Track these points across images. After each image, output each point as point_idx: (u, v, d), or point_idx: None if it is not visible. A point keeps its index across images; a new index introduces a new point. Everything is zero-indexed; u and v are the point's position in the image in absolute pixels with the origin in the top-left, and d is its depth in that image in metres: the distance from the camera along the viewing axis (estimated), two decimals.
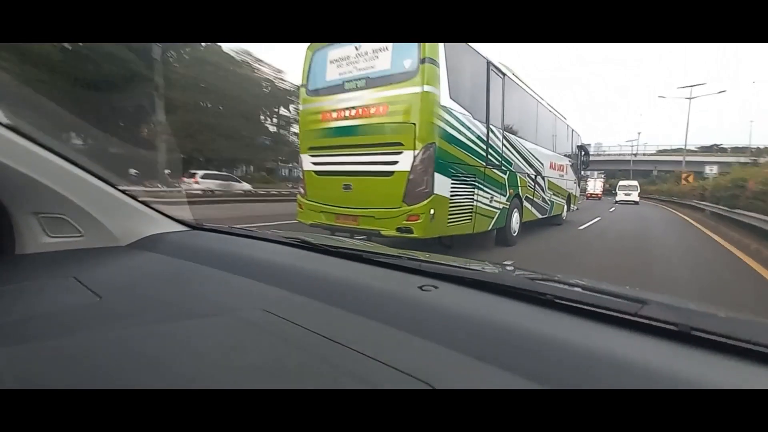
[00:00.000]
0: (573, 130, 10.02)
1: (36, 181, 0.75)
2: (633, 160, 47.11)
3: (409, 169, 3.90)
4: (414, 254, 0.81)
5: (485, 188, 5.09)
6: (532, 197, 7.09)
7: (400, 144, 3.96)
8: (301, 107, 5.02)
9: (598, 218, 12.37)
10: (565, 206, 9.98)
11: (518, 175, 6.26)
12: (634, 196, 26.25)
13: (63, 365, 0.40)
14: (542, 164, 7.51)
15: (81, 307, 0.58)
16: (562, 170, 9.14)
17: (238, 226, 1.18)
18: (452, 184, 4.27)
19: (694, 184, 19.33)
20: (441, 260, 0.78)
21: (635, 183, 28.36)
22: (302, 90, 4.90)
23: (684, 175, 22.98)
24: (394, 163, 4.00)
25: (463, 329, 0.49)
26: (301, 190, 4.89)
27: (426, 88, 3.83)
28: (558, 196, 8.94)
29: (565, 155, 9.33)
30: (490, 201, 5.30)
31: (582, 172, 11.71)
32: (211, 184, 15.52)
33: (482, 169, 4.97)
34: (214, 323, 0.53)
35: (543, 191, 7.77)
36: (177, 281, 0.74)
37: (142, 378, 0.39)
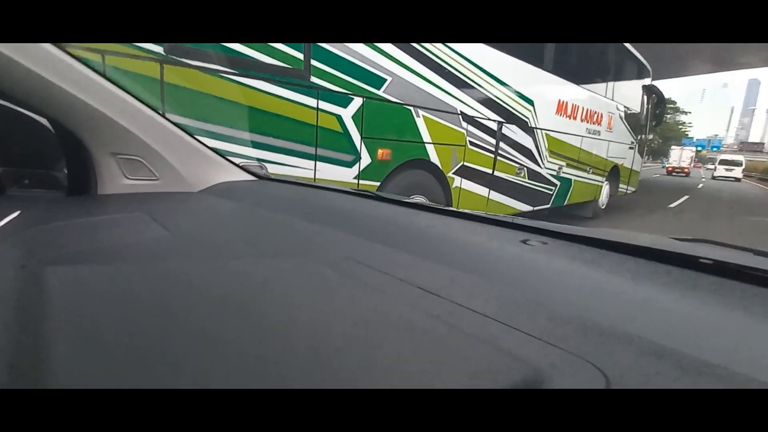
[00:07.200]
0: (631, 54, 5.63)
1: (114, 122, 0.77)
2: None
3: None
4: (503, 215, 0.75)
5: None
6: (488, 169, 3.32)
7: None
8: None
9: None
10: (605, 187, 5.81)
11: (421, 114, 2.59)
12: (737, 172, 24.71)
13: (121, 292, 0.39)
14: (530, 103, 3.62)
15: (152, 242, 0.57)
16: (596, 122, 5.01)
17: None
18: None
19: None
20: (539, 222, 0.66)
21: (740, 158, 27.09)
22: None
23: None
24: None
25: (588, 292, 0.41)
26: None
27: None
28: (581, 170, 4.90)
29: (605, 96, 5.13)
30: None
31: (648, 132, 7.16)
32: None
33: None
34: (292, 264, 0.49)
35: (534, 158, 3.89)
36: (250, 226, 0.72)
37: (206, 313, 0.35)
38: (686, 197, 10.28)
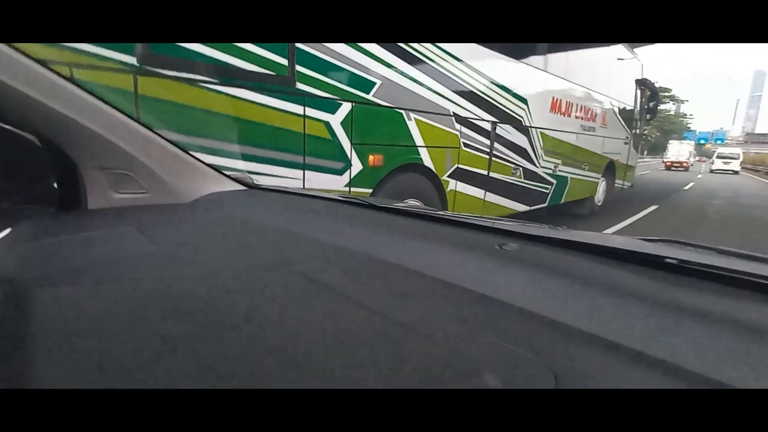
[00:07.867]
0: (623, 49, 5.60)
1: (100, 136, 0.77)
2: None
3: None
4: (486, 216, 0.79)
5: None
6: (483, 171, 3.29)
7: None
8: None
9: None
10: (602, 184, 5.78)
11: (413, 117, 2.56)
12: (734, 165, 24.59)
13: (112, 307, 0.39)
14: (523, 102, 3.59)
15: (142, 255, 0.59)
16: (590, 117, 4.98)
17: None
18: None
19: None
20: (517, 224, 0.70)
21: (737, 151, 26.88)
22: None
23: None
24: None
25: (555, 294, 0.41)
26: None
27: None
28: (577, 167, 4.87)
29: (598, 92, 5.10)
30: None
31: (643, 125, 7.12)
32: None
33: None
34: (273, 275, 0.51)
35: (530, 157, 3.86)
36: (239, 236, 0.74)
37: (194, 324, 0.36)
38: (653, 208, 6.91)
